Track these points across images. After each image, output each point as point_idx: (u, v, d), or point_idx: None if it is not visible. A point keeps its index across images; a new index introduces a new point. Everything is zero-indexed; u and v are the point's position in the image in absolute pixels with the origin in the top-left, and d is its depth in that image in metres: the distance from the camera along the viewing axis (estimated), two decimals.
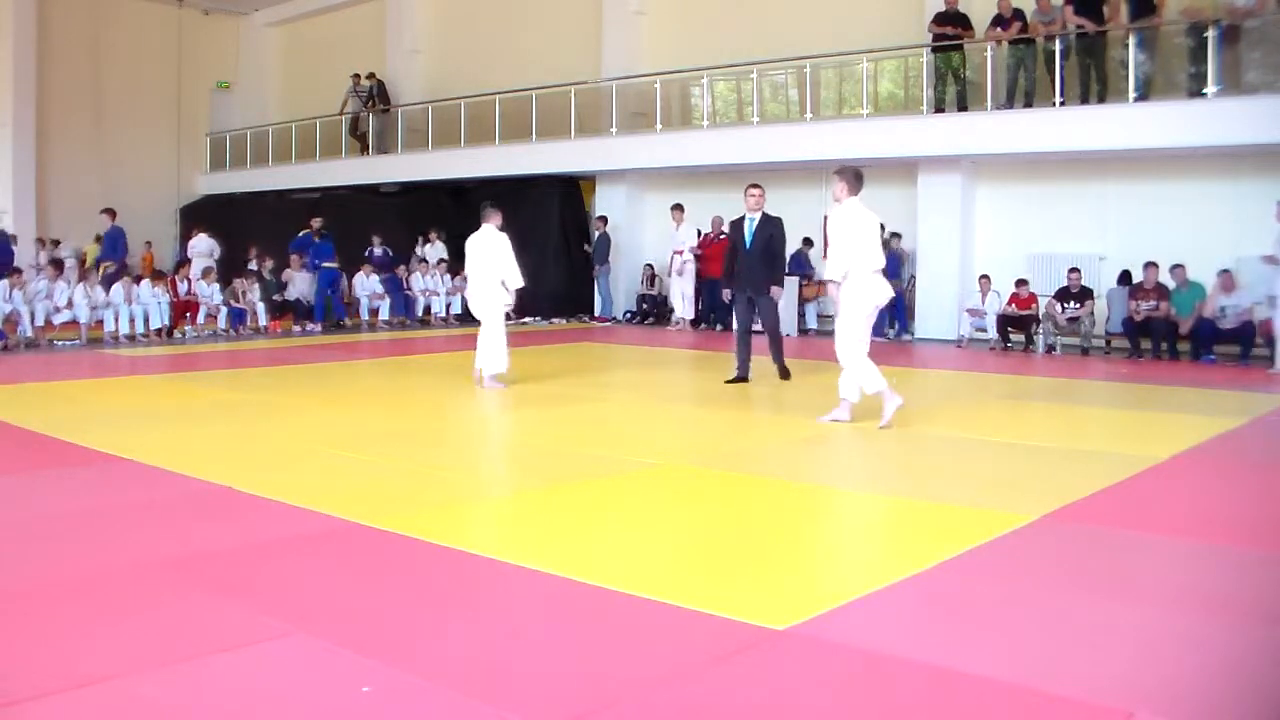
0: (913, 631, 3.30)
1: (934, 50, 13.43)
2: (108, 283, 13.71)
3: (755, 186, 9.54)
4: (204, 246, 16.94)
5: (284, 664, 3.00)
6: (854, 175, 7.10)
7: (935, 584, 3.73)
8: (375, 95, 20.44)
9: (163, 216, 22.00)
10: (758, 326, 9.61)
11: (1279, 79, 11.08)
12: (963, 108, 13.34)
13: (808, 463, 6.14)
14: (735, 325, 9.59)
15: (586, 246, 17.32)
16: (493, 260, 9.02)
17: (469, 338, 14.15)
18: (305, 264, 15.70)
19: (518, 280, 9.11)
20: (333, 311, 15.67)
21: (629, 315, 17.11)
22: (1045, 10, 12.64)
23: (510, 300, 9.16)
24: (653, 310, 16.65)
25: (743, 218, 9.46)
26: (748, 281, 9.25)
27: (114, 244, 15.69)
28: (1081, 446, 6.50)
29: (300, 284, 15.46)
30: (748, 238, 9.29)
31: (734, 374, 9.38)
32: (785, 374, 9.45)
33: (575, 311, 17.46)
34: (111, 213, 15.83)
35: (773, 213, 9.46)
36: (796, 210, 13.79)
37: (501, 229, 9.18)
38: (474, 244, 9.20)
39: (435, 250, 17.51)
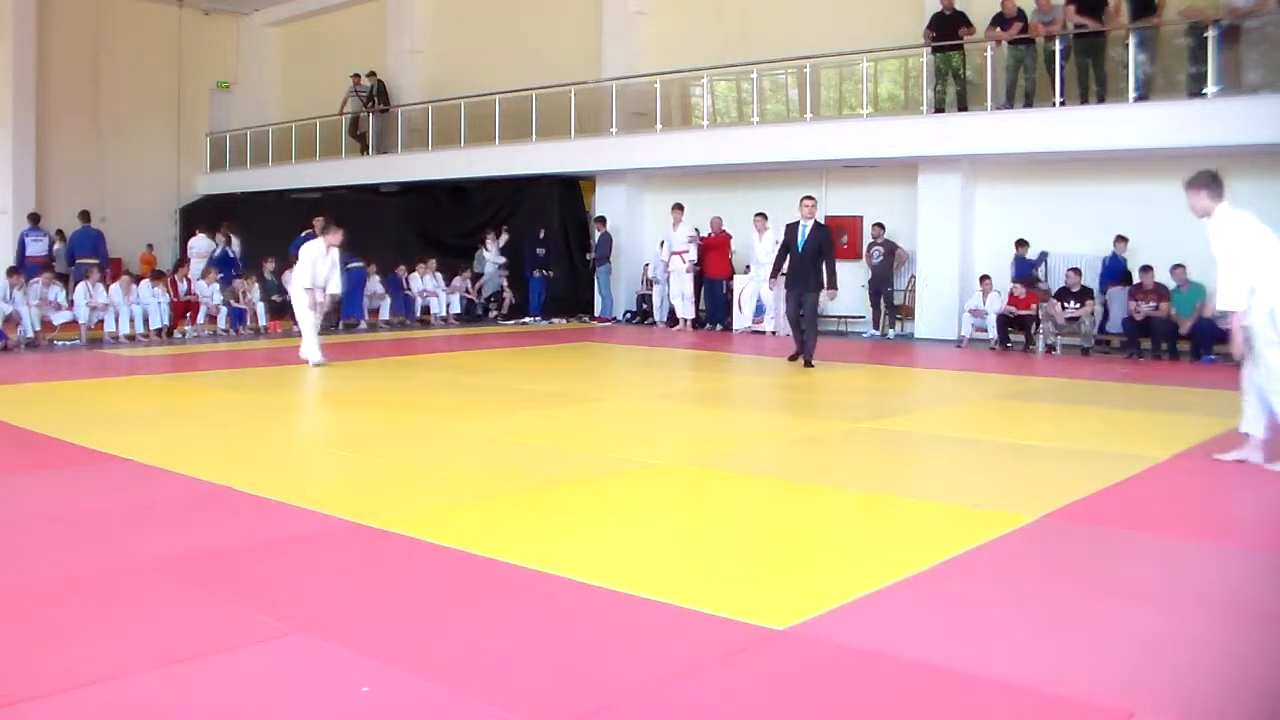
0: (913, 631, 3.29)
1: (933, 51, 13.45)
2: (74, 284, 13.67)
3: (809, 198, 10.89)
4: (203, 246, 16.93)
5: (284, 664, 3.00)
6: (1211, 179, 5.98)
7: (935, 584, 3.73)
8: (375, 95, 20.43)
9: (163, 216, 22.02)
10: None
11: (1279, 79, 11.08)
12: (963, 108, 13.35)
13: (808, 463, 6.14)
14: (786, 316, 11.35)
15: (589, 255, 17.29)
16: (323, 268, 10.54)
17: (469, 338, 14.20)
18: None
19: (338, 288, 10.98)
20: (354, 311, 15.62)
21: (629, 315, 17.11)
22: (1045, 10, 12.65)
23: (327, 301, 10.85)
24: (653, 310, 16.66)
25: (797, 223, 10.72)
26: (799, 280, 10.59)
27: (74, 247, 15.77)
28: (1081, 446, 6.50)
29: None
30: (800, 241, 10.57)
31: (793, 351, 10.89)
32: (809, 364, 10.51)
33: (575, 311, 17.46)
34: (84, 215, 15.88)
35: (821, 220, 11.01)
36: (797, 211, 13.79)
37: (336, 245, 10.74)
38: (311, 253, 10.57)
39: (492, 252, 17.33)
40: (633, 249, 17.22)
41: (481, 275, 17.47)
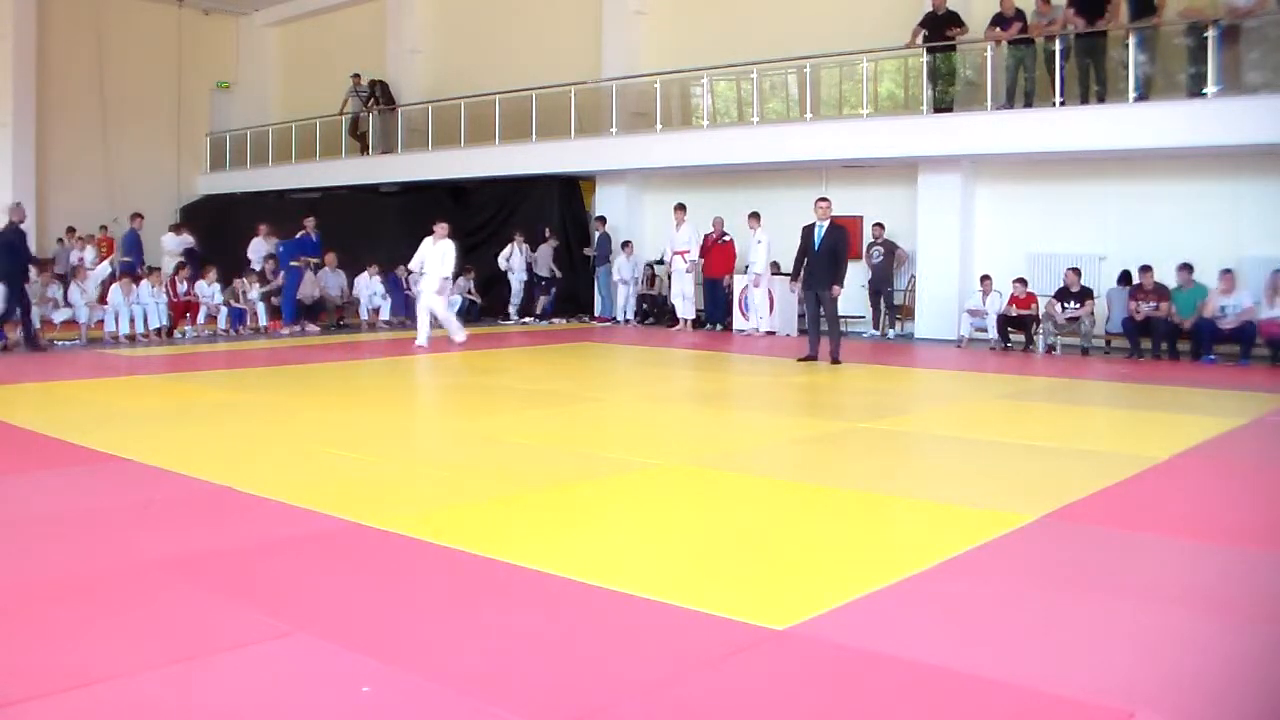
0: (913, 631, 3.29)
1: (928, 50, 13.44)
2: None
3: (824, 200, 11.13)
4: (173, 244, 16.94)
5: (284, 664, 2.99)
6: None
7: (935, 584, 3.73)
8: (379, 96, 20.40)
9: (163, 216, 22.01)
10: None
11: (1279, 79, 11.08)
12: (948, 108, 13.31)
13: (808, 463, 6.14)
14: (806, 315, 11.71)
15: (588, 250, 17.32)
16: (439, 259, 12.52)
17: (469, 338, 14.19)
18: (309, 265, 15.68)
19: (448, 271, 12.71)
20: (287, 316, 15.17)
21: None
22: (1045, 12, 12.64)
23: (441, 286, 12.72)
24: (653, 310, 16.67)
25: (813, 224, 10.92)
26: (815, 280, 10.84)
27: (129, 247, 15.76)
28: (1081, 446, 6.50)
29: (305, 285, 15.43)
30: (816, 242, 10.83)
31: (805, 354, 11.06)
32: (837, 361, 10.68)
33: (575, 311, 17.46)
34: (135, 217, 15.80)
35: (838, 222, 11.17)
36: (796, 210, 13.80)
37: (448, 236, 12.69)
38: (427, 247, 12.61)
39: (519, 258, 16.86)
40: (619, 249, 17.18)
41: (545, 278, 17.18)
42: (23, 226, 12.40)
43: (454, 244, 12.72)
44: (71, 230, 18.38)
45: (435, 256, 12.47)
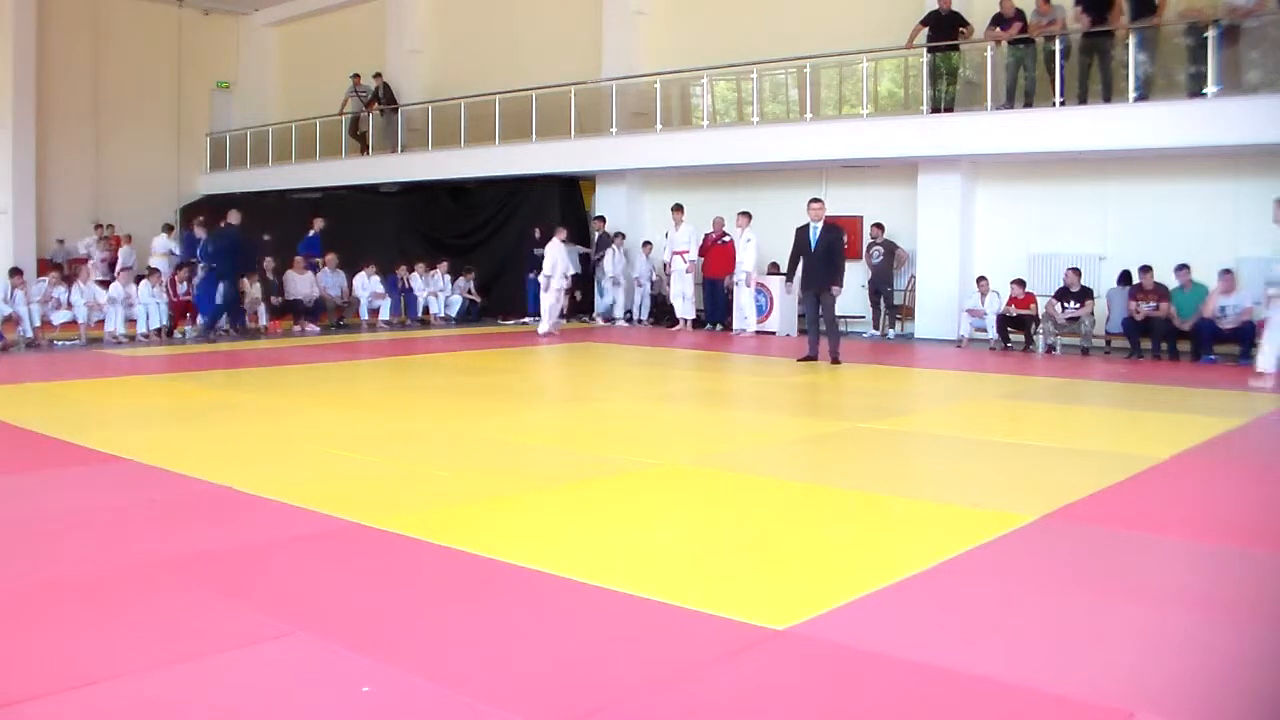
0: (913, 631, 3.29)
1: (929, 50, 13.44)
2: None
3: (817, 200, 11.14)
4: (162, 246, 16.96)
5: (284, 664, 2.99)
6: None
7: (935, 584, 3.73)
8: (381, 96, 20.40)
9: (163, 216, 22.01)
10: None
11: (1279, 79, 11.08)
12: (949, 108, 13.31)
13: (808, 463, 6.14)
14: (805, 315, 11.75)
15: (592, 252, 17.29)
16: (558, 259, 14.28)
17: (468, 337, 14.21)
18: (308, 265, 15.68)
19: (567, 273, 14.73)
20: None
21: (629, 315, 17.09)
22: (1045, 12, 12.64)
23: (564, 284, 14.78)
24: (653, 310, 16.65)
25: (807, 225, 10.97)
26: (812, 280, 10.91)
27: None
28: (1081, 446, 6.49)
29: (301, 285, 15.44)
30: (812, 242, 10.87)
31: (805, 354, 11.12)
32: (836, 360, 10.72)
33: (576, 311, 17.45)
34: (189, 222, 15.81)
35: (833, 222, 11.31)
36: (796, 210, 13.81)
37: (565, 240, 14.72)
38: (550, 249, 14.40)
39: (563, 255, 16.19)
40: (633, 249, 17.21)
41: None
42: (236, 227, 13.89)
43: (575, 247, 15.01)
44: (99, 227, 18.41)
45: (561, 257, 14.23)
